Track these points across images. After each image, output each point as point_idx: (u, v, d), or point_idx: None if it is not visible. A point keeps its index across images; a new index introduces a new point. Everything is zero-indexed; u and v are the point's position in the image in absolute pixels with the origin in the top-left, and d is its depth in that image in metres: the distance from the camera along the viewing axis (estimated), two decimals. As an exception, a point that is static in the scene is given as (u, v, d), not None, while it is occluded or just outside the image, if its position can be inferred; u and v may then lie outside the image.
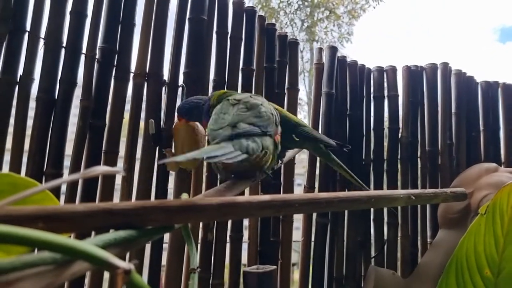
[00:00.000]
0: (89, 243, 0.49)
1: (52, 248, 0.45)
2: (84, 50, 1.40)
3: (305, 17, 11.16)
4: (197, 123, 1.43)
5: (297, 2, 11.16)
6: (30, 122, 1.35)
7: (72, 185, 1.34)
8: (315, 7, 11.23)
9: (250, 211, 0.75)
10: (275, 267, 1.02)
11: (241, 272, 1.63)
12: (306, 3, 11.17)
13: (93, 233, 1.11)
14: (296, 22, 10.94)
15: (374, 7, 11.66)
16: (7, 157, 1.29)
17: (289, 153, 1.41)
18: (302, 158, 2.34)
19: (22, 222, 0.49)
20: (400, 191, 1.07)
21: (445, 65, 2.11)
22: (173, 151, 1.43)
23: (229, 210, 0.71)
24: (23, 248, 0.60)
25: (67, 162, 1.37)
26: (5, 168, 1.29)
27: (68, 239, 0.45)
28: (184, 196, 0.86)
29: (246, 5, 1.76)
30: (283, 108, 1.63)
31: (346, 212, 1.84)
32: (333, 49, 1.93)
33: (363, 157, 1.93)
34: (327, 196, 0.90)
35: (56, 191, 1.25)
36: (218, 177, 1.60)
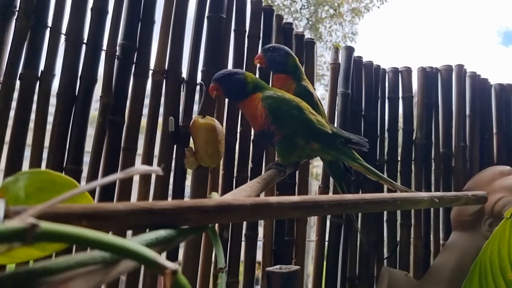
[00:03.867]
0: (134, 242, 0.50)
1: (106, 248, 0.45)
2: (104, 47, 1.40)
3: (309, 15, 11.12)
4: (217, 122, 1.44)
5: (301, 1, 11.12)
6: (50, 118, 1.35)
7: (91, 181, 1.34)
8: (320, 5, 11.19)
9: (281, 211, 0.75)
10: (298, 267, 1.02)
11: (255, 271, 1.64)
12: (310, 1, 11.13)
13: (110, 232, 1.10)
14: (301, 21, 10.91)
15: (378, 7, 11.60)
16: (27, 152, 1.30)
17: None
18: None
19: (69, 220, 0.50)
20: (424, 194, 1.07)
21: (460, 67, 2.10)
22: (193, 149, 1.43)
23: (261, 211, 0.71)
24: (58, 245, 0.60)
25: (86, 157, 1.37)
26: (25, 163, 1.30)
27: (120, 240, 0.45)
28: (214, 195, 0.87)
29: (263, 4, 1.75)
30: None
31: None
32: (349, 49, 1.92)
33: (377, 158, 1.92)
34: (354, 198, 0.90)
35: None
36: (235, 175, 1.60)
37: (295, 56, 1.56)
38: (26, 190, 0.60)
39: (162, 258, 0.45)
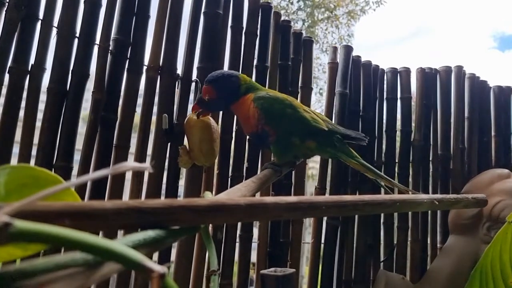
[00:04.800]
0: (119, 243, 0.47)
1: (87, 249, 0.42)
2: (97, 41, 1.37)
3: (306, 17, 11.12)
4: (212, 120, 1.40)
5: (297, 2, 11.13)
6: (40, 115, 1.31)
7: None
8: (316, 7, 11.19)
9: (277, 212, 0.72)
10: (294, 270, 0.99)
11: (249, 273, 1.61)
12: (307, 3, 11.13)
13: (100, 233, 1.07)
14: (297, 23, 10.88)
15: (374, 10, 11.60)
16: (15, 149, 1.26)
17: None
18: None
19: (49, 219, 0.46)
20: (423, 196, 1.04)
21: (460, 68, 2.08)
22: (187, 147, 1.40)
23: (257, 211, 0.68)
24: (40, 246, 0.57)
25: (76, 155, 1.33)
26: (13, 161, 1.26)
27: (104, 240, 0.42)
28: (208, 194, 0.83)
29: (261, 1, 1.72)
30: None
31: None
32: (347, 48, 1.90)
33: (375, 159, 1.89)
34: (352, 199, 0.87)
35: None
36: (229, 174, 1.57)
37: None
38: (6, 186, 0.57)
39: (149, 261, 0.42)
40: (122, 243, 0.48)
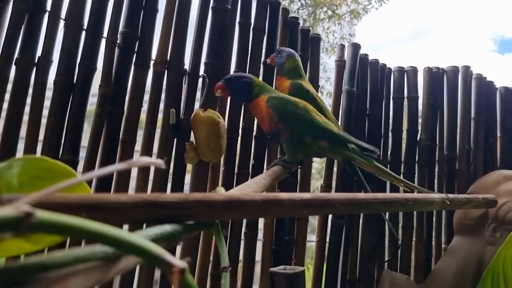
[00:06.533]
0: (139, 237, 0.45)
1: (109, 242, 0.40)
2: (105, 34, 1.35)
3: (307, 16, 11.09)
4: (220, 117, 1.39)
5: (299, 1, 11.10)
6: (45, 111, 1.29)
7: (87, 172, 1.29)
8: (318, 5, 11.16)
9: (292, 209, 0.71)
10: (303, 268, 0.98)
11: (254, 270, 1.59)
12: (309, 2, 11.11)
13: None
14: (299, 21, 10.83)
15: (377, 9, 11.57)
16: (20, 145, 1.24)
17: None
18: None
19: (66, 211, 0.45)
20: (435, 195, 1.03)
21: (467, 68, 2.06)
22: (194, 143, 1.38)
23: (272, 207, 0.67)
24: (52, 238, 0.56)
25: (81, 152, 1.32)
26: (18, 155, 1.25)
27: (125, 233, 0.41)
28: (220, 190, 0.82)
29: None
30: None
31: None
32: (355, 46, 1.88)
33: (380, 159, 1.88)
34: (366, 197, 0.86)
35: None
36: (235, 171, 1.56)
37: (295, 58, 1.51)
38: (19, 178, 0.55)
39: (169, 255, 0.41)
40: (141, 236, 0.47)
